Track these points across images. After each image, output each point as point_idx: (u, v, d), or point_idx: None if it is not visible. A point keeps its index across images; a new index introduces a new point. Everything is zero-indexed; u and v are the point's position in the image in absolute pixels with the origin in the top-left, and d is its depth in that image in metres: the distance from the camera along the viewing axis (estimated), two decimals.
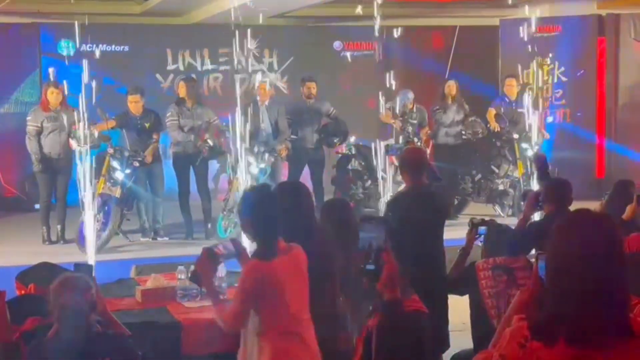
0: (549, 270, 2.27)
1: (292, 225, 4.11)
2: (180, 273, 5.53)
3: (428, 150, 10.07)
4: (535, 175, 8.34)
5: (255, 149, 9.25)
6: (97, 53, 11.01)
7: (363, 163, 10.22)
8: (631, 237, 4.99)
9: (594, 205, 5.90)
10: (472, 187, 10.52)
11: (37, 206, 10.26)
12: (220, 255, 3.88)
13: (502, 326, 2.47)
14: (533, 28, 10.02)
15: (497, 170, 10.41)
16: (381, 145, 9.50)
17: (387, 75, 9.83)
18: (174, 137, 9.38)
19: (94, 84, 8.42)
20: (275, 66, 13.05)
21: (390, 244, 2.90)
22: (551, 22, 12.09)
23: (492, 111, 10.48)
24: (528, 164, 9.89)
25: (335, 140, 10.34)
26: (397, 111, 10.27)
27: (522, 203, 9.18)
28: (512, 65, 11.51)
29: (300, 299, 3.95)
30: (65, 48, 11.72)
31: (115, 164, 8.80)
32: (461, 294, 5.20)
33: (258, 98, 9.72)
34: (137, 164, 8.89)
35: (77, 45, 9.57)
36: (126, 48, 12.47)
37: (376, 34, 9.18)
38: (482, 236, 5.21)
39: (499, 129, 10.29)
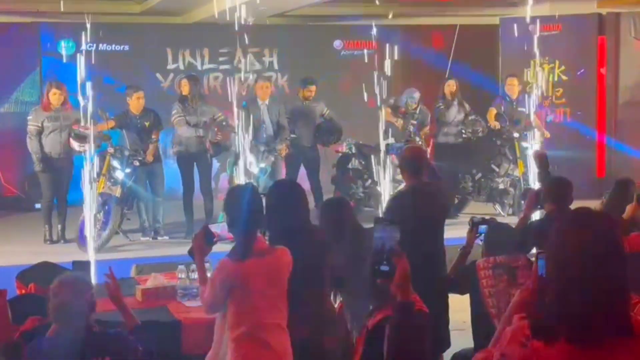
0: (549, 269, 2.27)
1: (284, 224, 4.12)
2: (181, 272, 5.54)
3: (428, 149, 10.06)
4: (535, 174, 8.34)
5: (256, 148, 9.26)
6: (97, 52, 10.99)
7: (363, 162, 10.21)
8: (631, 237, 4.99)
9: (594, 204, 5.89)
10: (473, 186, 10.52)
11: (37, 206, 10.27)
12: (217, 236, 4.00)
13: (502, 325, 2.47)
14: (533, 27, 10.01)
15: (497, 169, 10.40)
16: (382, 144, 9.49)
17: (387, 74, 9.81)
18: (182, 133, 9.32)
19: (91, 83, 8.39)
20: (275, 65, 13.05)
21: None
22: (551, 21, 12.06)
23: (492, 110, 10.47)
24: (528, 162, 9.89)
25: (330, 139, 10.32)
26: (400, 109, 10.25)
27: (522, 202, 9.26)
28: (512, 64, 11.50)
29: (270, 304, 3.93)
30: (65, 47, 11.72)
31: (115, 163, 8.81)
32: (462, 293, 5.20)
33: (258, 97, 9.72)
34: (137, 163, 8.91)
35: (77, 45, 9.55)
36: (126, 47, 12.46)
37: (376, 33, 9.17)
38: (483, 235, 5.22)
39: (499, 128, 10.29)
